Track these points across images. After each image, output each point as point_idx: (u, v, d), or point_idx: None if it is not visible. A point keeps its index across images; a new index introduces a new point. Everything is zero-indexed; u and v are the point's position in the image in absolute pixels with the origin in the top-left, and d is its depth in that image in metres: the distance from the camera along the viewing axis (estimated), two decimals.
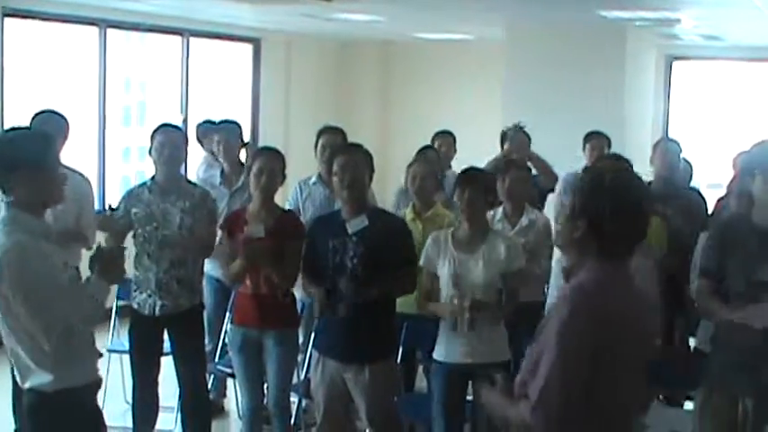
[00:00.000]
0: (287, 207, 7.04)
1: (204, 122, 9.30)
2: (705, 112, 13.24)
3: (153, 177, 6.15)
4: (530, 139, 8.15)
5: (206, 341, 7.25)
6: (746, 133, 11.17)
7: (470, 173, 5.75)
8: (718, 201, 7.45)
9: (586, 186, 3.37)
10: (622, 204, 3.29)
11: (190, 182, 6.58)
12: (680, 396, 6.81)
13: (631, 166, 6.56)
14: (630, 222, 3.32)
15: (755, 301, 4.56)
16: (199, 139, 9.08)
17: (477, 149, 7.99)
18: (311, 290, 5.60)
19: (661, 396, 7.05)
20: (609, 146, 8.13)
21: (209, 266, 7.00)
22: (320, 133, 7.29)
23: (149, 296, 6.07)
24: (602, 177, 3.38)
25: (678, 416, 6.00)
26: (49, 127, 6.29)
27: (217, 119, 8.76)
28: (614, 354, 3.25)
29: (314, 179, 7.23)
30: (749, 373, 4.64)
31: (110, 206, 6.18)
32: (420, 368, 7.07)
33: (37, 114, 6.36)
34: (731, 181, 7.13)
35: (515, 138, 8.14)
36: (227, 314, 6.78)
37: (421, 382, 6.98)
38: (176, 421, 6.77)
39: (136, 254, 6.09)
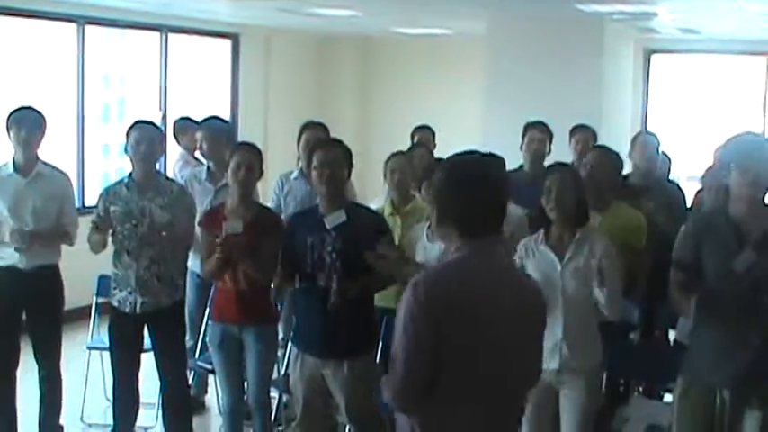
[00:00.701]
0: (269, 202, 7.07)
1: (181, 119, 9.28)
2: (683, 105, 13.27)
3: (130, 174, 6.13)
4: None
5: (187, 337, 7.26)
6: (725, 126, 11.22)
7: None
8: (697, 194, 7.49)
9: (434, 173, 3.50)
10: (456, 179, 3.35)
11: (167, 178, 6.57)
12: (659, 389, 6.83)
13: (619, 158, 6.62)
14: (468, 197, 3.33)
15: (731, 293, 4.59)
16: (175, 136, 9.07)
17: (457, 144, 7.98)
18: (284, 284, 5.66)
19: (640, 389, 7.08)
20: (595, 139, 8.14)
21: (192, 262, 7.01)
22: (303, 128, 7.30)
23: (129, 293, 6.06)
24: (442, 161, 3.51)
25: (657, 408, 6.01)
26: (26, 124, 6.29)
27: (195, 115, 8.77)
28: (465, 333, 3.26)
29: (295, 174, 7.24)
30: (726, 365, 4.66)
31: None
32: None
33: (14, 111, 6.33)
34: (704, 174, 7.15)
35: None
36: (208, 310, 6.78)
37: None
38: (157, 418, 6.77)
39: (115, 251, 6.08)
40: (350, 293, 5.34)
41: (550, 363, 5.20)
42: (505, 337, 3.34)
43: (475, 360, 3.28)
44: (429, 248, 5.69)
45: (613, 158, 6.51)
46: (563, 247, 5.27)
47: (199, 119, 8.17)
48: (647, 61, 13.21)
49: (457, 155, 3.48)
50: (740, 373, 4.67)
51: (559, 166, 5.65)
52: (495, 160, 3.55)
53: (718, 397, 4.73)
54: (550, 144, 7.84)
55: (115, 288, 6.13)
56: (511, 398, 3.51)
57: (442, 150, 7.82)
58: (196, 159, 8.65)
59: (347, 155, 5.52)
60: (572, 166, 5.94)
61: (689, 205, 7.47)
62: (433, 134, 8.87)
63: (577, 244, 5.26)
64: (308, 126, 7.34)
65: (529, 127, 7.77)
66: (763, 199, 4.76)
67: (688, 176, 10.83)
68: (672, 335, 6.85)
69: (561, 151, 7.73)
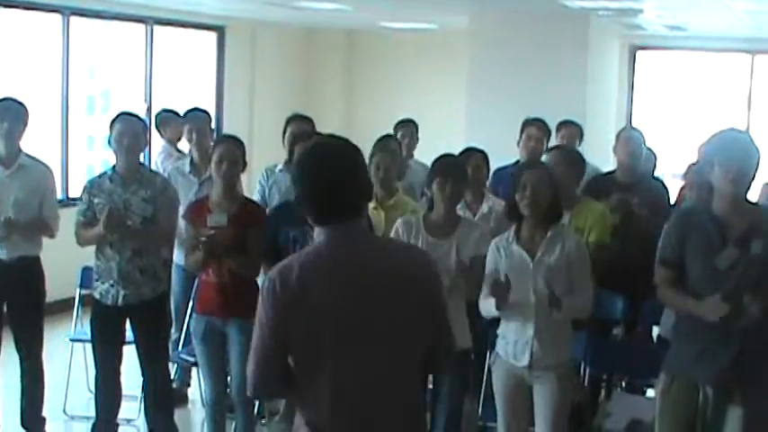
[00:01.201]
0: (254, 195, 7.06)
1: (163, 111, 9.26)
2: (669, 102, 13.30)
3: (114, 167, 6.11)
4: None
5: (173, 329, 7.26)
6: (710, 123, 11.25)
7: (450, 161, 5.80)
8: (680, 191, 7.51)
9: None
10: (299, 168, 3.41)
11: (151, 170, 6.55)
12: (642, 384, 6.85)
13: (580, 157, 6.64)
14: (306, 185, 3.35)
15: (713, 290, 4.60)
16: (158, 128, 9.05)
17: (441, 137, 8.00)
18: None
19: (623, 384, 7.10)
20: (581, 135, 8.14)
21: (177, 255, 7.00)
22: (288, 121, 7.32)
23: (112, 286, 6.04)
24: None
25: (639, 403, 6.04)
26: (9, 115, 6.27)
27: (179, 107, 8.75)
28: (305, 325, 3.26)
29: (280, 167, 7.23)
30: (709, 362, 4.67)
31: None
32: None
33: None
34: (687, 171, 7.17)
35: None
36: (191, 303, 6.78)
37: None
38: (139, 411, 6.76)
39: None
40: None
41: (521, 359, 5.27)
42: (366, 318, 3.29)
43: (322, 347, 3.27)
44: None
45: (571, 157, 6.54)
46: (534, 246, 5.28)
47: (182, 111, 8.16)
48: (633, 58, 13.23)
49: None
50: (723, 370, 4.68)
51: (535, 162, 5.66)
52: (338, 145, 3.47)
53: (701, 393, 4.74)
54: (548, 142, 7.82)
55: (97, 280, 6.12)
56: (388, 377, 3.38)
57: (427, 144, 7.84)
58: (179, 151, 8.65)
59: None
60: (546, 165, 5.93)
61: (673, 202, 7.48)
62: (416, 128, 8.86)
63: (549, 242, 5.27)
64: (294, 119, 7.35)
65: (527, 124, 7.75)
66: (745, 195, 4.77)
67: (673, 173, 10.85)
68: (656, 331, 6.86)
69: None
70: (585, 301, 5.31)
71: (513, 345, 5.29)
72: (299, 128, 7.13)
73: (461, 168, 5.79)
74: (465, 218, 5.96)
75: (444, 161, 5.81)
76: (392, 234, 5.77)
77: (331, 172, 3.31)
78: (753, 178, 4.71)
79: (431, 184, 5.71)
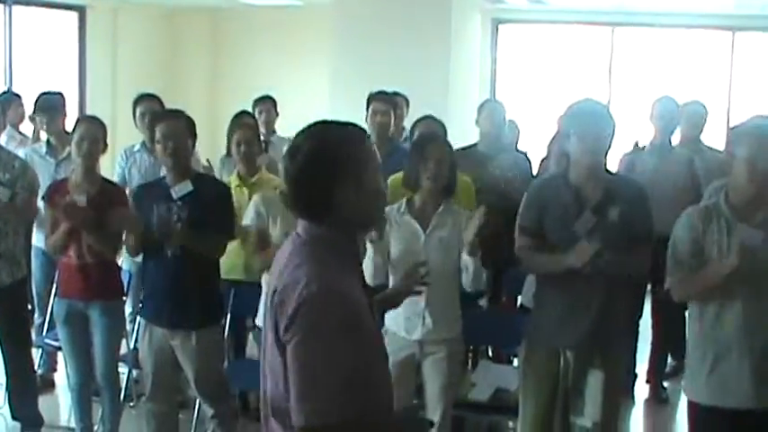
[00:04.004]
0: (114, 177, 6.97)
1: (3, 93, 9.10)
2: (532, 75, 13.44)
3: None
4: None
5: (36, 315, 7.14)
6: (572, 96, 11.40)
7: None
8: (542, 161, 7.62)
9: None
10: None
11: (9, 153, 6.40)
12: (508, 353, 6.94)
13: (445, 130, 6.71)
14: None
15: None
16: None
17: (307, 113, 7.94)
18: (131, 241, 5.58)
19: (490, 354, 7.19)
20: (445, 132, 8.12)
21: (36, 238, 6.87)
22: (137, 101, 7.33)
23: None
24: None
25: (504, 372, 6.11)
26: None
27: (40, 89, 8.56)
28: None
29: (137, 147, 7.19)
30: (569, 327, 4.78)
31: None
32: (250, 335, 7.09)
33: None
34: (550, 142, 7.29)
35: None
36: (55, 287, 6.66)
37: (252, 349, 6.99)
38: (4, 399, 6.62)
39: None
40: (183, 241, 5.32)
41: (413, 333, 5.27)
42: None
43: None
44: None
45: (438, 127, 6.62)
46: (426, 218, 5.28)
47: (31, 93, 8.05)
48: (495, 31, 13.35)
49: None
50: (583, 335, 4.79)
51: (437, 136, 5.68)
52: None
53: (562, 358, 4.84)
54: (395, 114, 7.79)
55: None
56: None
57: (293, 120, 7.79)
58: (21, 134, 8.54)
59: (190, 125, 5.48)
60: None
61: (536, 173, 7.58)
62: (275, 103, 8.83)
63: (441, 215, 5.29)
64: (142, 98, 7.37)
65: (372, 99, 7.67)
66: (602, 164, 4.86)
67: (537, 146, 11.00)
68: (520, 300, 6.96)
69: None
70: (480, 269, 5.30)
71: (405, 318, 5.26)
72: (148, 107, 7.17)
73: None
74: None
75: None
76: (251, 211, 5.73)
77: None
78: (608, 148, 4.81)
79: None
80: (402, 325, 5.29)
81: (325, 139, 2.95)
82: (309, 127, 3.00)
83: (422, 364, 5.33)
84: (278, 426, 2.96)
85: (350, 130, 3.02)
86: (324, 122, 3.03)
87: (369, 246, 5.17)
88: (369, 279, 5.31)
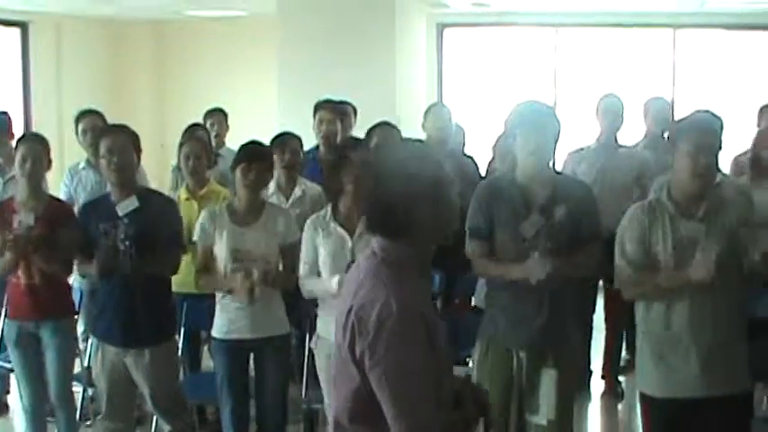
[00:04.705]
0: (60, 195, 6.92)
1: None
2: (479, 78, 13.46)
3: None
4: None
5: None
6: (518, 98, 11.43)
7: (255, 148, 5.77)
8: (489, 163, 7.65)
9: None
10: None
11: None
12: (463, 355, 6.95)
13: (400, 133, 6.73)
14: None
15: (522, 257, 4.72)
16: None
17: (255, 124, 7.97)
18: (88, 269, 5.54)
19: None
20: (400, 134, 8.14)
21: None
22: (78, 118, 7.27)
23: None
24: None
25: (460, 374, 6.11)
26: None
27: None
28: None
29: (82, 164, 7.15)
30: (521, 327, 4.82)
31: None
32: (205, 347, 7.06)
33: None
34: (495, 143, 7.32)
35: None
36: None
37: (208, 362, 6.96)
38: None
39: None
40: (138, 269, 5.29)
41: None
42: None
43: None
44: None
45: (395, 133, 6.65)
46: (352, 224, 5.32)
47: None
48: (440, 36, 13.37)
49: None
50: (535, 334, 4.83)
51: (358, 144, 5.70)
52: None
53: (515, 358, 4.87)
54: (342, 123, 7.83)
55: None
56: None
57: (241, 132, 7.79)
58: None
59: (134, 140, 5.46)
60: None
61: (484, 175, 7.61)
62: (226, 116, 8.82)
63: None
64: (84, 114, 7.34)
65: (318, 107, 7.71)
66: (548, 164, 4.90)
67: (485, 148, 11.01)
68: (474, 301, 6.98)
69: (363, 130, 7.72)
70: None
71: (336, 323, 5.29)
72: (91, 123, 7.14)
73: (265, 155, 5.75)
74: (270, 203, 5.94)
75: (248, 148, 5.79)
76: (197, 226, 5.72)
77: None
78: (554, 148, 4.85)
79: (234, 171, 5.67)
80: (332, 331, 5.30)
81: (400, 159, 3.04)
82: (380, 147, 3.13)
83: None
84: None
85: (419, 146, 3.17)
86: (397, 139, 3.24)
87: (328, 278, 5.25)
88: (306, 295, 5.43)
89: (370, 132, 6.97)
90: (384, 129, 6.82)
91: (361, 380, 2.96)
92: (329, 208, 5.43)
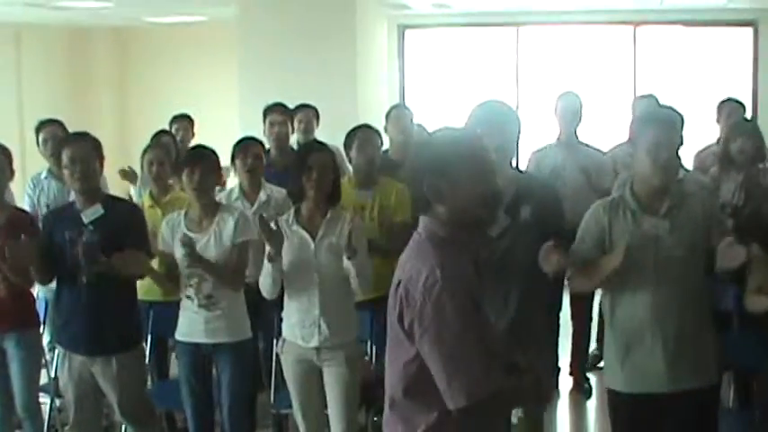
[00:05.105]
0: (24, 206, 6.88)
1: None
2: (441, 79, 13.48)
3: None
4: None
5: None
6: (482, 97, 11.44)
7: (196, 150, 5.76)
8: None
9: None
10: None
11: None
12: None
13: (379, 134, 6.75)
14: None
15: (488, 257, 4.70)
16: None
17: (218, 129, 7.95)
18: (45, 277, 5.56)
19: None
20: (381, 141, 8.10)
21: None
22: (38, 128, 7.26)
23: None
24: None
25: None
26: None
27: None
28: None
29: (44, 174, 7.12)
30: None
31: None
32: (173, 354, 7.03)
33: None
34: None
35: None
36: None
37: (175, 369, 6.93)
38: None
39: None
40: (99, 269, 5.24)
41: (310, 341, 5.34)
42: None
43: None
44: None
45: (376, 136, 6.65)
46: (315, 226, 5.35)
47: None
48: (402, 37, 13.39)
49: None
50: (501, 333, 4.78)
51: (319, 145, 5.70)
52: None
53: None
54: (293, 124, 7.91)
55: None
56: None
57: (204, 137, 7.77)
58: None
59: (97, 147, 5.43)
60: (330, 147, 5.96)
61: None
62: (192, 122, 8.80)
63: (329, 223, 5.36)
64: (44, 124, 7.34)
65: (268, 111, 7.73)
66: (511, 163, 4.91)
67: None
68: None
69: (325, 133, 7.72)
70: (367, 272, 5.38)
71: (301, 327, 5.35)
72: (51, 132, 7.13)
73: (207, 156, 5.68)
74: (225, 205, 5.91)
75: (193, 151, 5.80)
76: (159, 235, 5.69)
77: None
78: (516, 146, 4.85)
79: (181, 176, 5.63)
80: (298, 334, 5.37)
81: (434, 143, 3.27)
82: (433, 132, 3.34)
83: (322, 371, 5.39)
84: (395, 419, 3.22)
85: (459, 134, 3.33)
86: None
87: (266, 263, 5.29)
88: (266, 294, 5.40)
89: (350, 135, 6.95)
90: (365, 131, 6.82)
91: (413, 352, 3.09)
92: (292, 211, 5.45)
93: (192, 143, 8.72)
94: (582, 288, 4.77)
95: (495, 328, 3.27)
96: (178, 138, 8.43)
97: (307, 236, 5.33)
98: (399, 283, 3.15)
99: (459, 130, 3.40)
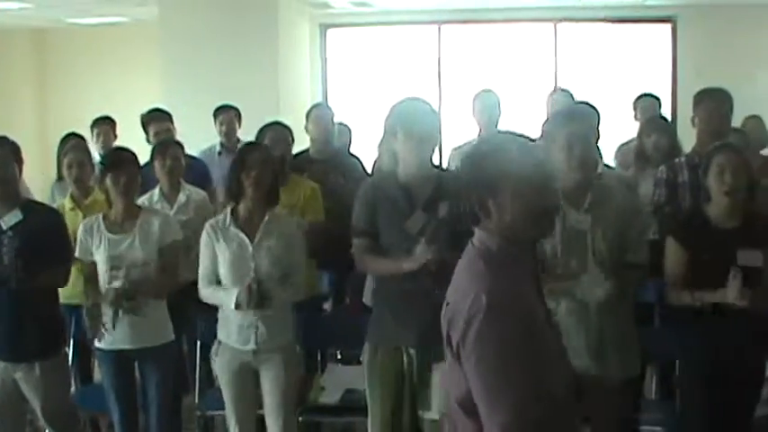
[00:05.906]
0: None
1: None
2: (363, 78, 13.49)
3: None
4: None
5: None
6: (405, 95, 11.47)
7: (121, 154, 5.71)
8: (374, 163, 7.69)
9: None
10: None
11: None
12: (356, 354, 6.98)
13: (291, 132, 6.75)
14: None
15: (409, 253, 4.74)
16: None
17: (139, 132, 7.88)
18: None
19: (339, 356, 7.22)
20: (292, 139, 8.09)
21: None
22: None
23: None
24: None
25: (352, 373, 6.14)
26: None
27: None
28: None
29: None
30: (409, 324, 4.77)
31: None
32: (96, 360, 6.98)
33: None
34: (380, 143, 7.37)
35: None
36: None
37: (98, 374, 6.88)
38: None
39: None
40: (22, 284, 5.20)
41: (247, 343, 5.32)
42: None
43: None
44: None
45: (288, 133, 6.65)
46: (253, 228, 5.32)
47: None
48: (324, 36, 13.40)
49: None
50: (425, 330, 4.80)
51: (257, 145, 5.69)
52: None
53: (405, 354, 4.87)
54: (240, 123, 7.96)
55: None
56: None
57: (128, 139, 7.72)
58: None
59: (15, 151, 5.39)
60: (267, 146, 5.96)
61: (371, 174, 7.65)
62: (113, 124, 8.73)
63: (267, 225, 5.33)
64: None
65: (218, 111, 7.78)
66: (430, 161, 4.93)
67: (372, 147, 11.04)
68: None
69: (247, 133, 7.71)
70: (301, 281, 5.41)
71: (238, 329, 5.32)
72: None
73: (131, 159, 5.64)
74: (147, 208, 5.89)
75: (114, 154, 5.76)
76: (78, 239, 5.64)
77: None
78: (435, 144, 4.88)
79: (104, 180, 5.58)
80: (234, 336, 5.35)
81: (484, 152, 3.03)
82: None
83: (258, 373, 5.39)
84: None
85: (516, 143, 3.05)
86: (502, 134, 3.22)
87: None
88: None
89: (261, 132, 6.93)
90: (275, 128, 6.81)
91: (458, 375, 2.98)
92: (228, 212, 5.40)
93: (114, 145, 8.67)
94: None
95: (559, 348, 3.12)
96: (99, 141, 8.35)
97: (245, 238, 5.28)
98: (448, 303, 3.04)
99: (515, 140, 3.07)
